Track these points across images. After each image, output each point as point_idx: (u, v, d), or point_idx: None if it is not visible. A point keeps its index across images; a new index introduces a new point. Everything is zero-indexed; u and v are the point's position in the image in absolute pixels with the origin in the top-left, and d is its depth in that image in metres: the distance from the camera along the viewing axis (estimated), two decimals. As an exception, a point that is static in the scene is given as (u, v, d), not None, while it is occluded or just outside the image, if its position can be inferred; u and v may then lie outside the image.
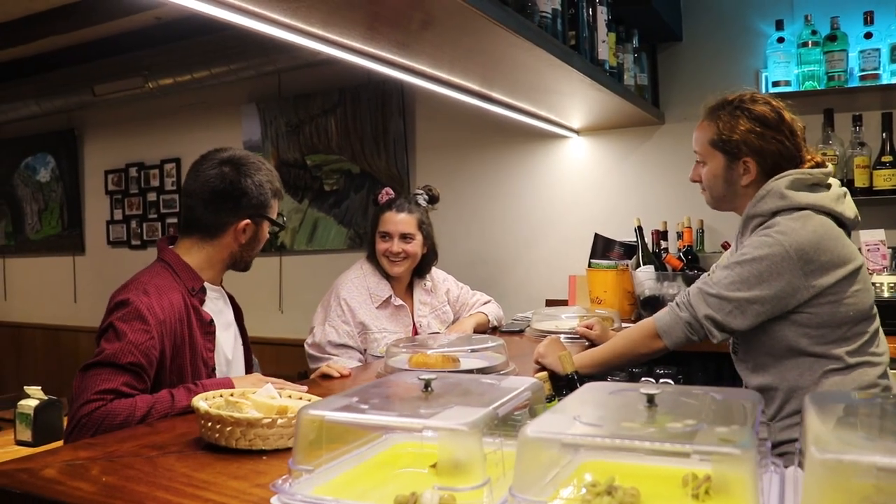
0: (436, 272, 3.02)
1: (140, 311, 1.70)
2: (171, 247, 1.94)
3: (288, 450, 1.34)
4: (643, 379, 1.81)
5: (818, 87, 3.20)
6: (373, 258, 2.81)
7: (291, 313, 4.78)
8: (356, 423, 1.01)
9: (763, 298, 1.81)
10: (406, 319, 2.80)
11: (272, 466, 1.26)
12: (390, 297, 2.76)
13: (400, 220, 2.74)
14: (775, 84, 3.26)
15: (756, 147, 1.88)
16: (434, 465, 1.05)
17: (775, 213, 1.87)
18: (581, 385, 1.68)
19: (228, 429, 1.34)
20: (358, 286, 2.76)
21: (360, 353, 2.69)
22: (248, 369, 2.09)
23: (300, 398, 1.55)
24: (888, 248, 2.93)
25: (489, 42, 2.04)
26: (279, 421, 1.34)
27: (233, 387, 1.70)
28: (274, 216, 1.99)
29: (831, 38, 3.15)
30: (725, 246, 3.37)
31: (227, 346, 1.97)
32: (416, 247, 2.77)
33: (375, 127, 4.35)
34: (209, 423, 1.37)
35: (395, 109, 4.27)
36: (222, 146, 1.99)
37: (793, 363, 1.87)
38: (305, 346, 2.71)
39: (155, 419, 1.62)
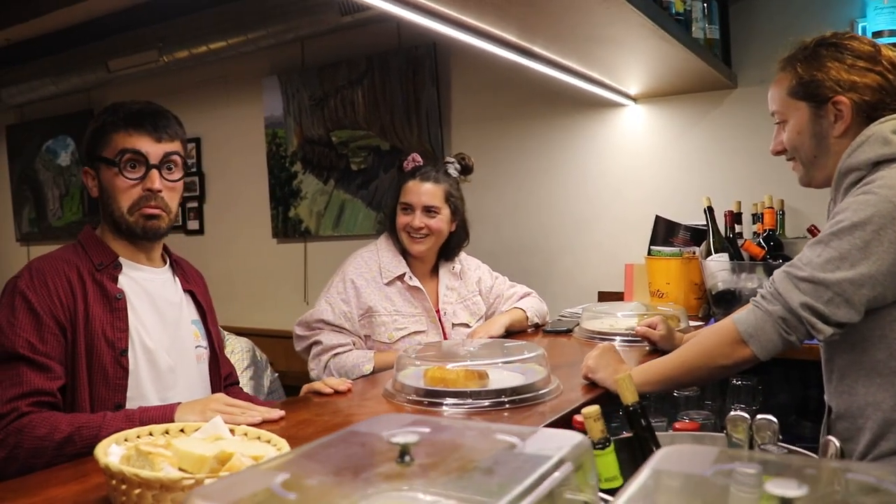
0: (468, 258, 2.62)
1: (24, 294, 1.48)
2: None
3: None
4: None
5: (930, 38, 2.65)
6: (393, 233, 2.43)
7: (318, 305, 4.39)
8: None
9: (873, 277, 1.35)
10: (425, 304, 2.39)
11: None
12: (404, 274, 2.37)
13: (424, 191, 2.35)
14: (876, 35, 2.70)
15: (847, 82, 1.46)
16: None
17: (876, 165, 1.41)
18: (646, 422, 1.22)
19: (137, 492, 0.93)
20: (368, 261, 2.40)
21: (359, 339, 2.32)
22: (216, 375, 1.74)
23: (258, 437, 1.13)
24: None
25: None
26: (207, 482, 0.93)
27: (171, 416, 1.34)
28: (112, 154, 1.60)
29: (948, -24, 2.60)
30: (812, 230, 2.85)
31: (156, 332, 1.60)
32: (441, 222, 2.37)
33: (406, 98, 3.90)
34: (113, 481, 0.96)
35: (427, 78, 3.82)
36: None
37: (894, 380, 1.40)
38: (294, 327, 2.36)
39: (78, 448, 1.30)
